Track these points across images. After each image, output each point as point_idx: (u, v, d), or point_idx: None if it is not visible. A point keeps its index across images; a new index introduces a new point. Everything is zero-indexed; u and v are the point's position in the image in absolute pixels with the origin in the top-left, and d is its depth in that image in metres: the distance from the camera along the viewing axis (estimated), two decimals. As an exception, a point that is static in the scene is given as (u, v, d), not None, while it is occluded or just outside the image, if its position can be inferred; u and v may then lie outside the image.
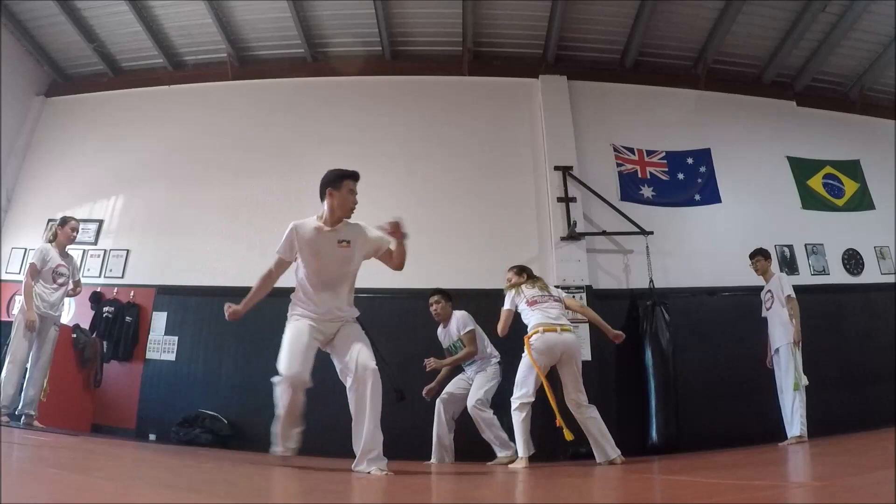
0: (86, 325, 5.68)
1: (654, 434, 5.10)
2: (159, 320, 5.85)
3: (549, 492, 2.18)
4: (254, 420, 5.39)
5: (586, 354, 5.23)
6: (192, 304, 5.89)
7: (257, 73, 7.02)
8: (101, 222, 6.44)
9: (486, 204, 6.22)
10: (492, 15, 6.53)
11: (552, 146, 6.37)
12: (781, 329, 4.60)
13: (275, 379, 2.76)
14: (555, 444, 4.41)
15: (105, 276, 6.15)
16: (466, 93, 6.84)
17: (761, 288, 4.98)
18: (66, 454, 2.59)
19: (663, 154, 6.60)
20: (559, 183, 6.16)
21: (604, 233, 6.08)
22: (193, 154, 6.68)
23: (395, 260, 3.05)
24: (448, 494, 2.14)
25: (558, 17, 6.33)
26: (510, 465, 3.65)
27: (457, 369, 4.52)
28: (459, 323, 4.39)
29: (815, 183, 6.65)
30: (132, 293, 5.97)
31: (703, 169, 6.56)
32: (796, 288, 4.75)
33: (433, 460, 4.23)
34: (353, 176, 2.93)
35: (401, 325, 5.33)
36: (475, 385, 4.25)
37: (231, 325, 5.73)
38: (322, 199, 2.95)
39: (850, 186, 6.69)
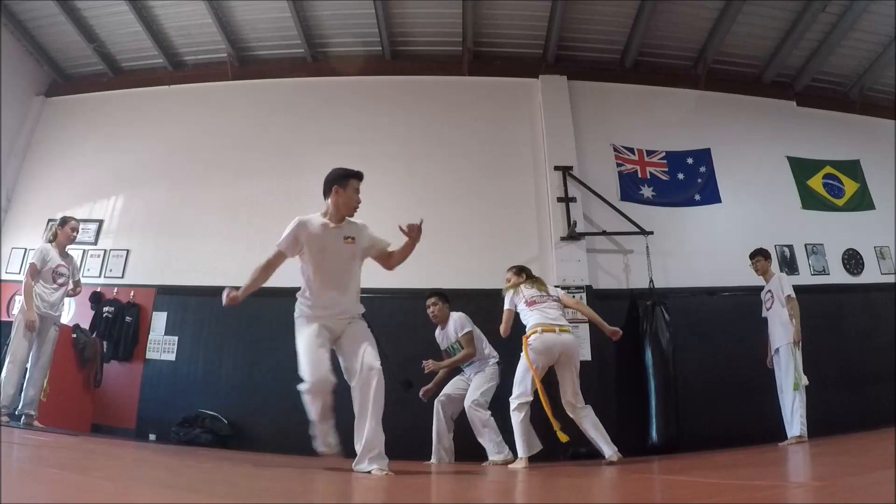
0: (86, 325, 5.68)
1: (654, 434, 5.10)
2: (159, 320, 5.85)
3: (549, 492, 2.18)
4: (254, 420, 5.41)
5: (586, 354, 5.23)
6: (192, 304, 5.89)
7: (257, 73, 7.02)
8: (101, 222, 6.44)
9: (486, 204, 6.22)
10: (492, 15, 6.53)
11: (552, 146, 6.37)
12: (781, 329, 4.60)
13: (301, 387, 2.76)
14: (555, 444, 4.40)
15: (105, 276, 6.15)
16: (466, 93, 6.84)
17: (761, 288, 4.98)
18: (66, 454, 2.59)
19: (663, 154, 6.60)
20: (559, 183, 6.16)
21: (604, 233, 6.08)
22: (193, 154, 6.68)
23: (395, 260, 3.07)
24: (448, 494, 2.14)
25: (558, 17, 6.33)
26: (510, 466, 3.65)
27: (455, 370, 4.52)
28: (457, 325, 4.39)
29: (815, 183, 6.65)
30: (132, 293, 5.97)
31: (703, 169, 6.56)
32: (796, 288, 4.75)
33: (433, 460, 4.23)
34: (359, 176, 2.98)
35: (401, 325, 5.33)
36: (472, 386, 4.25)
37: (231, 325, 5.78)
38: (326, 196, 2.98)
39: (850, 186, 6.69)
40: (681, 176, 6.53)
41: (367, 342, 2.82)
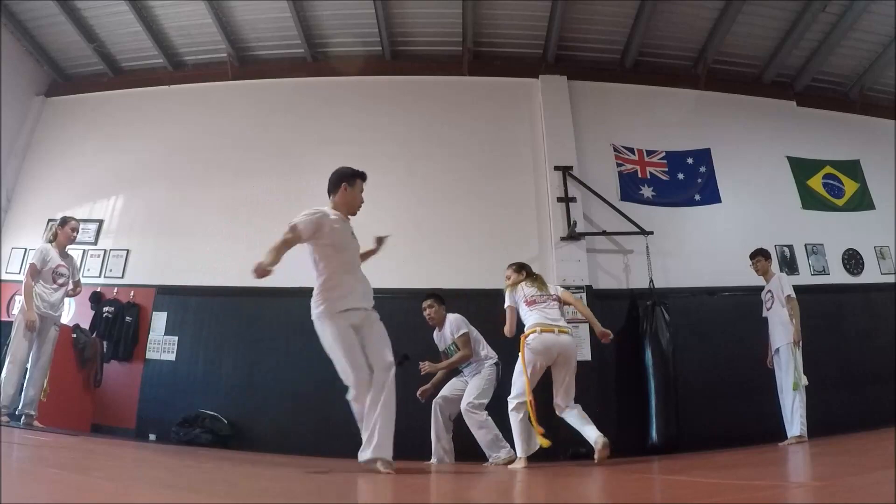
0: (86, 325, 5.68)
1: (654, 434, 5.10)
2: (159, 320, 5.85)
3: (549, 492, 2.18)
4: (254, 420, 5.41)
5: (586, 354, 5.23)
6: (192, 304, 5.90)
7: (257, 73, 7.02)
8: (101, 222, 6.44)
9: (486, 204, 6.22)
10: (492, 15, 6.53)
11: (552, 146, 6.37)
12: (782, 329, 4.60)
13: (350, 396, 2.77)
14: (555, 444, 4.40)
15: (105, 276, 6.15)
16: (466, 93, 6.85)
17: (761, 288, 4.98)
18: (66, 454, 2.59)
19: (663, 154, 6.60)
20: (559, 183, 6.16)
21: (604, 233, 6.08)
22: (193, 154, 6.68)
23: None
24: (448, 494, 2.14)
25: (558, 17, 6.33)
26: (510, 466, 3.64)
27: (454, 370, 4.51)
28: (453, 326, 4.39)
29: (815, 183, 6.65)
30: (132, 293, 5.97)
31: (703, 169, 6.57)
32: (796, 288, 4.75)
33: (433, 460, 4.23)
34: (364, 177, 3.03)
35: (400, 325, 5.27)
36: (469, 388, 4.24)
37: (231, 325, 5.79)
38: (332, 192, 3.00)
39: (850, 186, 6.69)
40: (681, 176, 6.53)
41: (384, 338, 2.87)
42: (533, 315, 3.69)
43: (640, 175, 6.47)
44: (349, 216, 3.00)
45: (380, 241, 3.19)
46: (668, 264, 5.97)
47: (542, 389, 3.66)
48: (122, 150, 6.77)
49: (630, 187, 6.37)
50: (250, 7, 6.41)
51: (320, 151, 6.43)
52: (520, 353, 3.61)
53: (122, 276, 6.15)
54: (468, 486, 2.45)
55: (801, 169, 6.69)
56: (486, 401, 4.20)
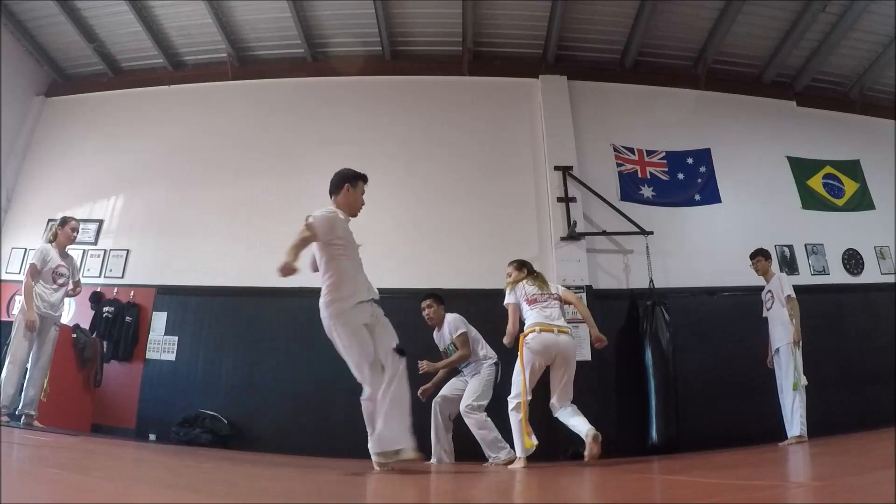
0: (86, 325, 5.68)
1: (654, 434, 5.10)
2: (159, 320, 5.85)
3: (548, 492, 2.18)
4: (254, 420, 5.41)
5: (586, 354, 5.22)
6: (192, 304, 5.90)
7: (257, 73, 7.02)
8: (101, 222, 6.44)
9: (486, 204, 6.22)
10: (492, 15, 6.53)
11: (552, 146, 6.37)
12: (782, 329, 4.60)
13: (366, 396, 2.79)
14: (555, 444, 4.41)
15: (105, 276, 6.15)
16: (466, 93, 6.85)
17: (761, 288, 4.98)
18: (66, 454, 2.59)
19: (663, 154, 6.60)
20: (559, 183, 6.16)
21: (604, 233, 6.08)
22: (193, 154, 6.68)
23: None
24: (448, 494, 2.14)
25: (558, 17, 6.33)
26: (509, 466, 3.63)
27: (454, 370, 4.51)
28: (451, 326, 4.38)
29: (815, 183, 6.65)
30: (132, 293, 5.97)
31: (703, 169, 6.57)
32: (796, 288, 4.75)
33: (433, 460, 4.23)
34: (366, 179, 3.07)
35: (400, 324, 5.27)
36: (468, 389, 4.24)
37: (231, 325, 5.79)
38: (334, 193, 3.03)
39: (850, 186, 6.69)
40: (681, 176, 6.53)
41: (392, 333, 2.94)
42: (532, 314, 3.66)
43: (640, 175, 6.47)
44: (350, 217, 3.03)
45: None
46: (668, 264, 5.97)
47: (544, 390, 3.65)
48: (122, 150, 6.77)
49: (630, 187, 6.37)
50: (250, 7, 6.41)
51: (320, 151, 6.44)
52: (518, 353, 3.59)
53: (122, 276, 6.15)
54: (468, 486, 2.45)
55: (801, 169, 6.69)
56: (485, 402, 4.20)
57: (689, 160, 6.60)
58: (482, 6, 6.40)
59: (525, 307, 3.73)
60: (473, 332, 4.46)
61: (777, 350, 4.65)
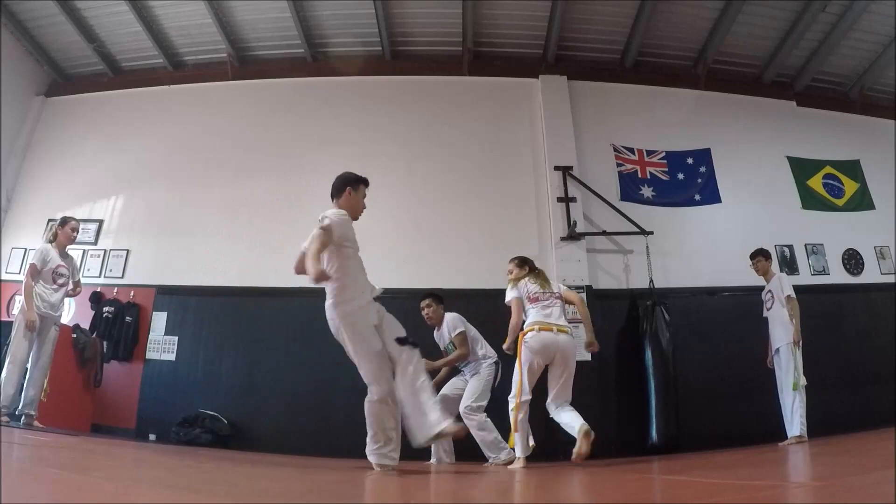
0: (86, 325, 5.68)
1: (654, 434, 5.10)
2: (159, 320, 5.85)
3: (548, 492, 2.18)
4: (254, 420, 5.41)
5: (586, 354, 5.19)
6: (192, 304, 5.90)
7: (257, 73, 7.02)
8: (101, 222, 6.44)
9: (486, 204, 6.22)
10: (492, 15, 6.53)
11: (552, 146, 6.37)
12: (782, 329, 4.61)
13: (373, 397, 2.80)
14: (555, 444, 4.40)
15: (105, 276, 6.16)
16: (466, 93, 6.85)
17: (761, 288, 4.98)
18: (66, 454, 2.59)
19: (663, 154, 6.60)
20: (559, 183, 6.16)
21: (604, 233, 6.08)
22: (193, 154, 6.68)
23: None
24: (448, 494, 2.14)
25: (558, 17, 6.33)
26: (509, 466, 3.63)
27: (456, 369, 4.51)
28: (450, 325, 4.38)
29: (815, 183, 6.65)
30: (132, 293, 5.97)
31: (703, 169, 6.57)
32: (796, 288, 4.75)
33: (433, 460, 4.23)
34: (367, 183, 3.11)
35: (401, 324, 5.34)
36: (468, 389, 4.23)
37: (231, 325, 5.79)
38: (336, 196, 3.05)
39: (850, 186, 6.69)
40: (681, 176, 6.53)
41: (400, 327, 2.99)
42: (533, 312, 3.62)
43: (640, 175, 6.47)
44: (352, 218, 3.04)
45: None
46: (668, 264, 5.97)
47: (544, 391, 3.65)
48: (122, 150, 6.77)
49: (630, 187, 6.37)
50: (250, 7, 6.41)
51: (320, 151, 6.44)
52: (517, 352, 3.56)
53: (122, 276, 6.15)
54: (468, 486, 2.45)
55: (801, 169, 6.69)
56: (484, 402, 4.19)
57: (689, 160, 6.60)
58: (482, 6, 6.40)
59: (526, 305, 3.68)
60: (473, 331, 4.45)
61: (777, 350, 4.65)
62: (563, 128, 6.47)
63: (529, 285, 3.73)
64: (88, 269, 6.10)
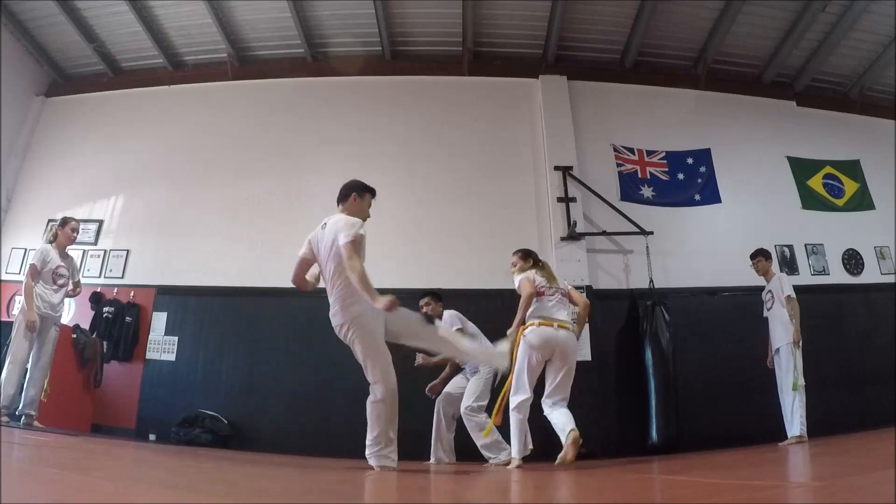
0: (86, 325, 5.68)
1: (654, 434, 5.10)
2: (159, 320, 5.85)
3: (547, 492, 2.18)
4: (254, 420, 5.41)
5: (586, 354, 5.23)
6: (192, 304, 5.90)
7: (257, 73, 7.02)
8: (101, 222, 6.44)
9: (486, 204, 6.22)
10: (492, 15, 6.53)
11: (552, 146, 6.37)
12: (782, 329, 4.61)
13: (379, 396, 2.81)
14: (553, 444, 4.40)
15: (105, 277, 6.15)
16: (466, 93, 6.85)
17: (761, 288, 4.98)
18: (66, 454, 2.59)
19: (663, 154, 6.60)
20: (559, 183, 6.16)
21: (604, 233, 6.08)
22: (193, 154, 6.68)
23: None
24: (447, 494, 2.14)
25: (558, 17, 6.33)
26: (508, 466, 3.61)
27: (459, 367, 4.51)
28: (447, 323, 4.38)
29: (815, 183, 6.65)
30: (132, 293, 5.97)
31: (703, 169, 6.57)
32: (796, 288, 4.75)
33: (432, 460, 4.22)
34: (374, 193, 3.17)
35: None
36: (468, 389, 4.21)
37: (231, 325, 5.79)
38: (342, 202, 3.09)
39: (850, 186, 6.69)
40: (681, 176, 6.53)
41: (411, 314, 3.11)
42: (536, 306, 3.52)
43: (640, 175, 6.47)
44: None
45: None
46: (668, 264, 5.97)
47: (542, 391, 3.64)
48: (122, 150, 6.77)
49: (630, 187, 6.37)
50: (250, 7, 6.41)
51: (320, 151, 6.45)
52: (521, 348, 3.48)
53: (122, 277, 6.15)
54: (468, 486, 2.46)
55: (801, 169, 6.69)
56: (484, 402, 4.18)
57: (689, 160, 6.60)
58: (482, 6, 6.40)
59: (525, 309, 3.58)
60: (471, 328, 4.44)
61: (777, 350, 4.65)
62: (563, 128, 6.47)
63: (536, 278, 3.64)
64: (88, 270, 6.10)
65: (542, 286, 3.58)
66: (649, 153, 6.58)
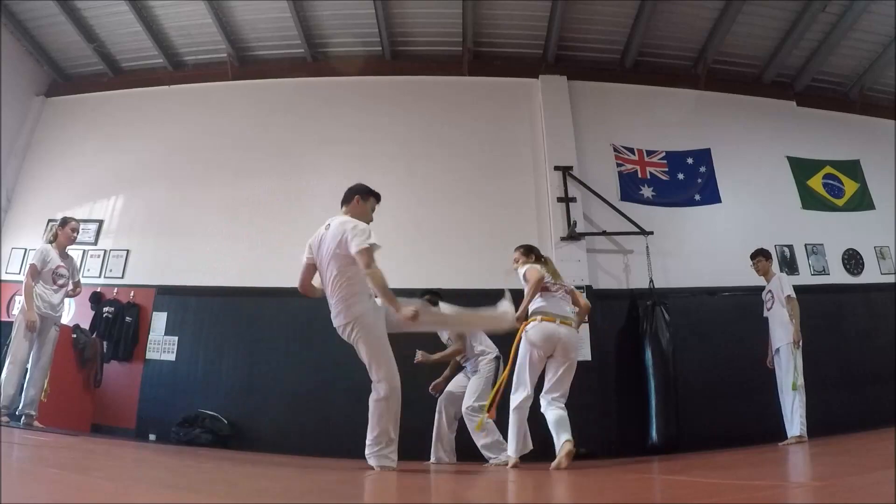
0: (86, 325, 5.68)
1: (654, 434, 5.10)
2: (159, 320, 5.85)
3: (547, 492, 2.18)
4: (254, 420, 5.41)
5: (586, 354, 5.22)
6: (192, 304, 5.90)
7: (257, 73, 7.02)
8: (101, 222, 6.44)
9: (486, 204, 6.22)
10: (492, 15, 6.53)
11: (552, 146, 6.37)
12: (782, 329, 4.61)
13: (386, 392, 2.81)
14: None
15: (105, 277, 6.15)
16: (466, 93, 6.85)
17: (761, 288, 4.98)
18: (66, 454, 2.59)
19: (663, 154, 6.60)
20: (559, 183, 6.16)
21: (604, 233, 6.08)
22: (193, 154, 6.68)
23: None
24: (447, 494, 2.14)
25: (558, 17, 6.33)
26: (506, 466, 3.58)
27: (461, 366, 4.50)
28: None
29: (815, 183, 6.65)
30: (132, 293, 5.97)
31: (703, 169, 6.57)
32: (796, 288, 4.75)
33: (432, 459, 4.22)
34: (378, 198, 3.18)
35: (401, 324, 5.34)
36: (469, 389, 4.19)
37: (231, 325, 5.79)
38: (346, 203, 3.11)
39: (850, 186, 6.69)
40: (681, 176, 6.53)
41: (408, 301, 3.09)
42: (538, 301, 3.44)
43: (640, 175, 6.47)
44: None
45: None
46: (668, 264, 5.97)
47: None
48: (122, 150, 6.77)
49: (630, 187, 6.37)
50: (250, 7, 6.41)
51: (320, 151, 6.45)
52: (521, 346, 3.43)
53: (122, 277, 6.15)
54: (468, 487, 2.46)
55: (801, 169, 6.69)
56: (486, 402, 4.16)
57: (689, 160, 6.60)
58: (482, 6, 6.40)
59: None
60: None
61: (777, 350, 4.65)
62: (563, 128, 6.47)
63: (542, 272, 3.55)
64: (88, 270, 6.10)
65: (547, 282, 3.52)
66: (649, 153, 6.58)
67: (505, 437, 3.85)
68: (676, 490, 1.96)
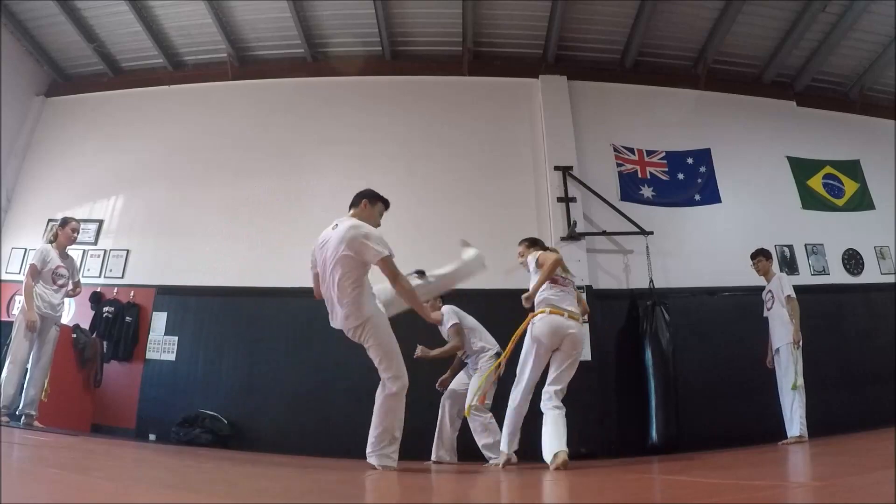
0: (86, 325, 5.68)
1: (654, 434, 5.10)
2: (159, 320, 5.85)
3: (548, 492, 2.18)
4: (254, 420, 5.41)
5: (586, 354, 5.20)
6: (192, 304, 5.90)
7: (257, 73, 7.02)
8: (101, 222, 6.44)
9: (486, 204, 6.22)
10: (492, 15, 6.53)
11: (552, 146, 6.37)
12: (782, 329, 4.61)
13: (396, 389, 2.83)
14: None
15: (105, 276, 6.15)
16: (466, 93, 6.84)
17: (761, 288, 4.98)
18: (66, 454, 2.59)
19: (663, 154, 6.60)
20: (559, 183, 6.16)
21: (604, 233, 6.08)
22: (193, 154, 6.68)
23: None
24: (447, 494, 2.14)
25: (558, 17, 6.33)
26: (500, 462, 3.52)
27: (464, 362, 4.50)
28: (445, 316, 4.39)
29: (815, 183, 6.65)
30: (132, 293, 5.97)
31: (703, 169, 6.57)
32: (796, 288, 4.76)
33: (433, 458, 4.22)
34: (387, 204, 3.20)
35: (401, 323, 5.31)
36: (470, 387, 4.19)
37: (231, 325, 5.79)
38: (354, 207, 3.12)
39: (850, 186, 6.69)
40: (681, 176, 6.53)
41: None
42: (546, 293, 3.37)
43: (640, 175, 6.47)
44: None
45: None
46: (668, 264, 5.97)
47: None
48: (122, 150, 6.77)
49: (630, 187, 6.37)
50: (250, 7, 6.41)
51: (320, 151, 6.44)
52: (526, 340, 3.38)
53: (122, 277, 6.15)
54: (468, 486, 2.46)
55: (801, 169, 6.69)
56: (490, 401, 4.16)
57: (689, 160, 6.60)
58: (482, 6, 6.40)
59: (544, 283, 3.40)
60: (470, 322, 4.43)
61: (777, 350, 4.65)
62: (563, 128, 6.47)
63: None
64: (88, 270, 6.10)
65: (556, 274, 3.44)
66: (649, 153, 6.58)
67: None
68: (676, 490, 1.96)
